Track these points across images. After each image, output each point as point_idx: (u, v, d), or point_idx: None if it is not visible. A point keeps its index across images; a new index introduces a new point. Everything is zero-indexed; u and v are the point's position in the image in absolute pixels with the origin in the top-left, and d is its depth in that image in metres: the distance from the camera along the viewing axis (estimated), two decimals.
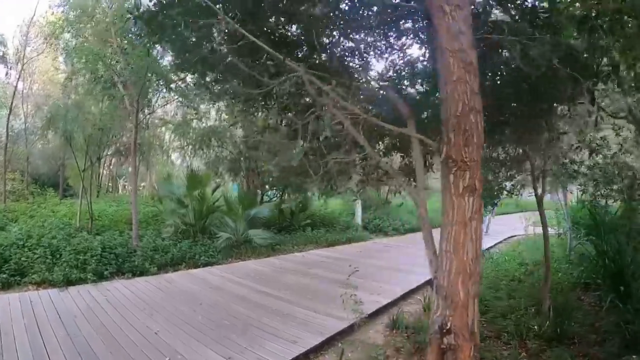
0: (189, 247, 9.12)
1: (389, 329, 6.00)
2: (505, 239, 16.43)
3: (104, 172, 19.02)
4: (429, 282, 8.74)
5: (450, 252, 2.97)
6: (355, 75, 4.97)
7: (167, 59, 8.45)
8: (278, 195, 14.18)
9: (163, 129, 15.36)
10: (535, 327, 5.46)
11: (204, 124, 12.99)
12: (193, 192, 10.19)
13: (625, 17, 3.67)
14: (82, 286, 6.91)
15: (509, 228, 19.59)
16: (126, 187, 19.88)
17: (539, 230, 16.34)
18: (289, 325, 5.66)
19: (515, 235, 16.95)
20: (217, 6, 3.53)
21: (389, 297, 7.42)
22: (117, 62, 8.05)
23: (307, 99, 4.48)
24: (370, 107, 4.90)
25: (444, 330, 2.90)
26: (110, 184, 20.43)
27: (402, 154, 5.94)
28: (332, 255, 11.19)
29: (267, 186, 13.37)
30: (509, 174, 7.59)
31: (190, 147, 13.16)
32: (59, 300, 6.22)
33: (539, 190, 7.11)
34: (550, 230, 16.37)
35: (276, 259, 10.29)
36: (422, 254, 10.47)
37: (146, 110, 10.33)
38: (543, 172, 7.16)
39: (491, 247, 14.05)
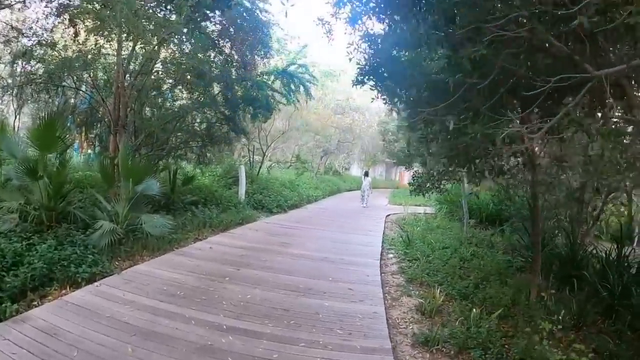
0: (55, 250, 5.26)
1: (423, 348, 4.60)
2: (386, 216, 16.52)
3: None
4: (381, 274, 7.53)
5: None
6: None
7: None
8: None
9: None
10: (557, 316, 5.02)
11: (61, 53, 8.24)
12: (47, 154, 6.10)
13: None
14: None
15: (374, 205, 20.41)
16: None
17: (414, 210, 17.44)
18: None
19: (390, 214, 17.22)
20: None
21: (374, 302, 5.93)
22: None
23: None
24: None
25: None
26: None
27: None
28: (242, 245, 8.67)
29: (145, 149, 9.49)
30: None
31: (33, 85, 8.25)
32: None
33: None
34: (432, 209, 17.34)
35: (179, 254, 7.20)
36: (328, 236, 9.10)
37: None
38: None
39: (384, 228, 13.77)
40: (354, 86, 5.39)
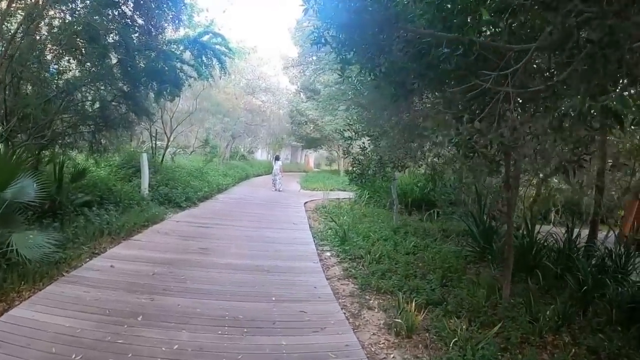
0: None
1: None
2: (305, 204, 15.67)
3: None
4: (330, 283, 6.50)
5: None
6: None
7: None
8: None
9: None
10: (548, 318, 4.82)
11: None
12: None
13: None
14: None
15: (287, 190, 19.61)
16: None
17: (330, 195, 16.92)
18: None
19: (307, 201, 16.48)
20: None
21: (338, 327, 4.83)
22: None
23: None
24: None
25: None
26: None
27: None
28: (151, 257, 6.90)
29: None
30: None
31: None
32: None
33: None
34: (348, 194, 16.82)
35: (71, 282, 5.25)
36: (251, 234, 7.63)
37: None
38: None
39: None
40: (314, 45, 4.14)
